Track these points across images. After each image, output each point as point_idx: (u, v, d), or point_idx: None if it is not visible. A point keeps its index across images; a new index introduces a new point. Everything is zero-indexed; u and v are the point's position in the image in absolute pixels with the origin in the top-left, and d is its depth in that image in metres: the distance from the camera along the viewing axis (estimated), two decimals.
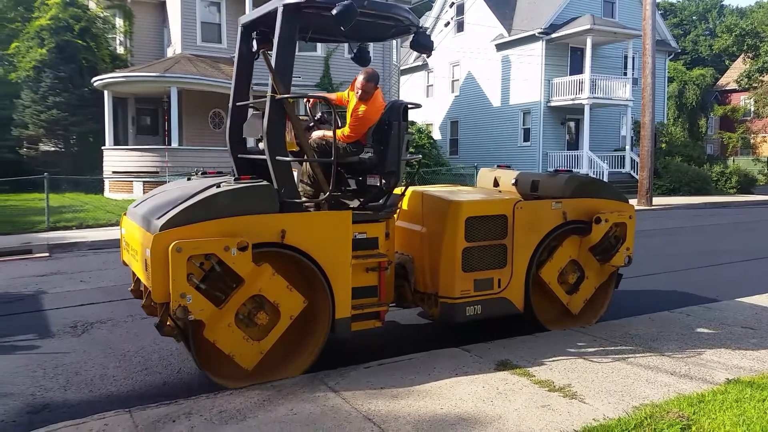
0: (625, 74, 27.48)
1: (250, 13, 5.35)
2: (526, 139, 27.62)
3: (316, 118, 5.61)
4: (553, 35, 26.00)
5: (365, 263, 4.99)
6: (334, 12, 4.34)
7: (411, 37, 5.27)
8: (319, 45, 22.78)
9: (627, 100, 26.03)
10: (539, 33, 25.93)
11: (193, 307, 4.08)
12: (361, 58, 5.82)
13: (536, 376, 4.59)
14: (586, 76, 25.23)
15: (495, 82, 28.80)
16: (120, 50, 25.29)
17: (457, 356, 5.04)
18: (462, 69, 30.83)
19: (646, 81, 20.10)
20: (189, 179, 5.35)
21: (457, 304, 5.33)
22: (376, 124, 5.15)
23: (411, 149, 18.80)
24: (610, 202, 5.98)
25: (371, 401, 4.11)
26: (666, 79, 31.93)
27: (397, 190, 5.63)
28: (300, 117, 5.46)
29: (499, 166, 7.02)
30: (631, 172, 26.08)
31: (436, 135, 30.76)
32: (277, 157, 4.65)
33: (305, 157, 4.97)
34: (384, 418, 3.87)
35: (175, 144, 20.06)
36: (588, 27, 24.68)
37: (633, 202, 20.14)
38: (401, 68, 27.69)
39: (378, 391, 4.29)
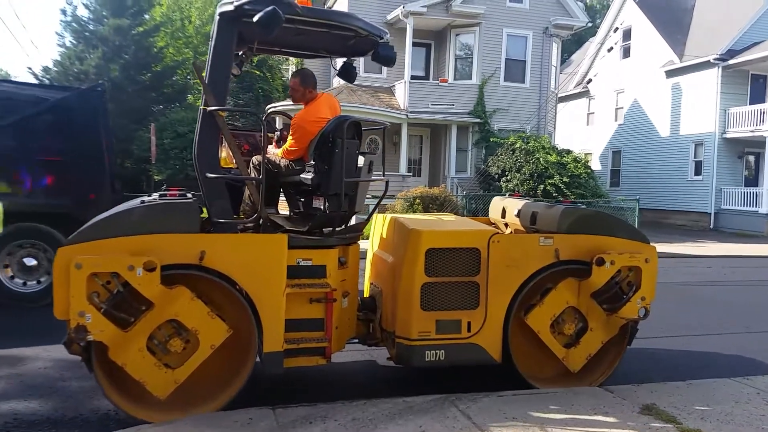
0: None
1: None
2: (698, 172, 25.53)
3: (275, 136, 5.42)
4: (731, 61, 23.90)
5: (308, 293, 4.55)
6: (255, 18, 4.03)
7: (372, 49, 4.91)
8: (474, 73, 23.01)
9: None
10: (715, 59, 23.97)
11: (92, 326, 3.89)
12: (345, 73, 5.45)
13: (684, 423, 4.26)
14: None
15: (664, 110, 27.04)
16: None
17: (598, 396, 4.82)
18: (627, 96, 29.34)
19: None
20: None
21: (414, 347, 4.74)
22: (320, 139, 4.72)
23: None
24: (622, 241, 5.11)
25: (502, 430, 4.06)
26: None
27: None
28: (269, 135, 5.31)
29: (511, 195, 6.50)
30: None
31: (596, 165, 29.49)
32: (207, 174, 4.39)
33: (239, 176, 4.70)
34: None
35: None
36: None
37: None
38: (559, 95, 27.02)
39: (511, 421, 4.22)
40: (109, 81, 25.38)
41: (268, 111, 5.15)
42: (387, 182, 5.26)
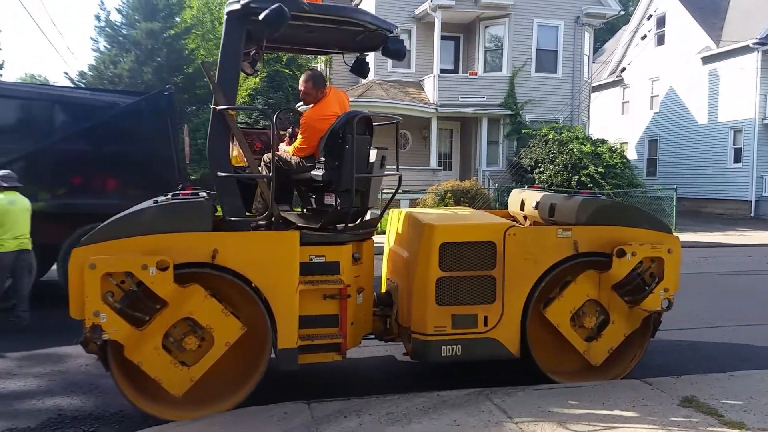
0: None
1: None
2: (737, 160, 24.82)
3: (288, 133, 5.46)
4: None
5: (321, 289, 4.56)
6: (261, 16, 4.04)
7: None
8: (504, 64, 22.77)
9: None
10: (753, 44, 23.21)
11: (107, 326, 3.95)
12: (358, 69, 5.51)
13: (726, 416, 4.17)
14: None
15: (701, 97, 26.34)
16: None
17: (637, 388, 4.75)
18: (662, 84, 28.67)
19: None
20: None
21: (430, 342, 4.71)
22: (330, 136, 4.68)
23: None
24: (643, 232, 5.00)
25: (537, 424, 4.03)
26: None
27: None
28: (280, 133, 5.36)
29: (530, 187, 6.40)
30: None
31: (632, 154, 28.89)
32: (219, 173, 4.43)
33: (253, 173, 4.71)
34: None
35: None
36: None
37: None
38: (592, 84, 26.55)
39: (546, 414, 4.19)
40: (142, 83, 25.87)
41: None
42: (400, 177, 5.24)
